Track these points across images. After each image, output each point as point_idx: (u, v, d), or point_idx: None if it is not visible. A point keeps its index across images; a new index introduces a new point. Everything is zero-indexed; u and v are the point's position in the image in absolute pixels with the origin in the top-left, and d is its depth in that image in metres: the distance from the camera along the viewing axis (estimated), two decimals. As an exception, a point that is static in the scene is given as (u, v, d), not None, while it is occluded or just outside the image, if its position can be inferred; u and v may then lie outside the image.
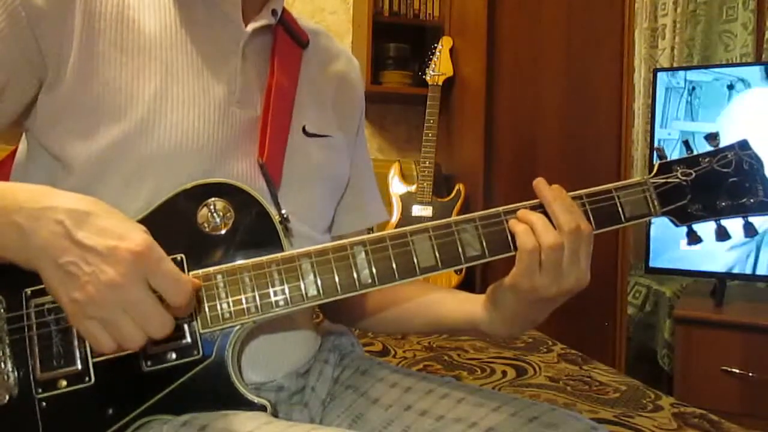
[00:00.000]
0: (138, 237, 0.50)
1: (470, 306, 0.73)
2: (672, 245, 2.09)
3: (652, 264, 2.14)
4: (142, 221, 0.59)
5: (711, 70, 2.12)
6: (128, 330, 0.50)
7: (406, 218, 2.37)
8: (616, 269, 2.32)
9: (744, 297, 2.19)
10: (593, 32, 2.37)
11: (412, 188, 2.41)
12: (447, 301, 0.77)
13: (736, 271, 2.06)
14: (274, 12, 0.74)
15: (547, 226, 0.62)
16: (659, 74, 2.19)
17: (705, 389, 1.88)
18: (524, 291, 0.63)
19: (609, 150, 2.35)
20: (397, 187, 2.43)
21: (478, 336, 0.85)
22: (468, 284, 2.26)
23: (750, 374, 1.83)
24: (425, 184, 2.37)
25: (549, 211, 0.63)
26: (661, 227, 2.09)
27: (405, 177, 2.46)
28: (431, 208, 2.37)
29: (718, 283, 2.07)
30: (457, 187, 2.40)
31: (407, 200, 2.40)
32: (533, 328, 1.85)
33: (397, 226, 2.35)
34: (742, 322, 1.89)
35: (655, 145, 2.16)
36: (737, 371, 1.84)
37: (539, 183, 0.65)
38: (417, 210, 2.38)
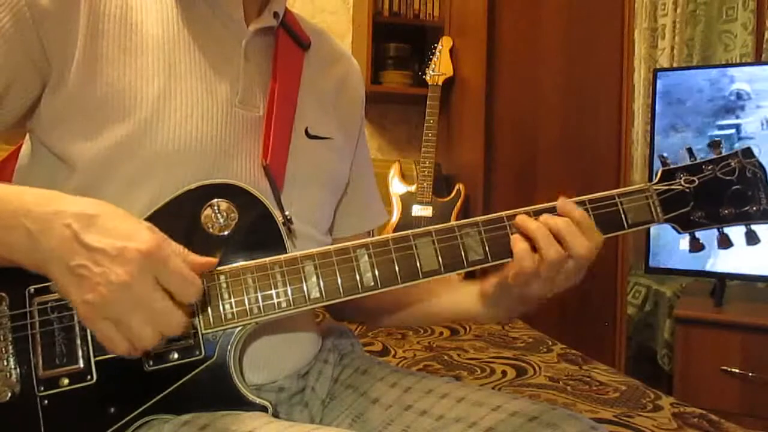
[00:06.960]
0: (145, 236, 0.51)
1: (466, 305, 0.77)
2: (672, 245, 2.09)
3: (652, 264, 2.13)
4: (145, 221, 0.59)
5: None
6: (140, 328, 0.50)
7: (406, 218, 2.37)
8: (616, 269, 2.31)
9: (744, 297, 2.19)
10: (593, 32, 2.36)
11: (412, 188, 2.41)
12: (443, 299, 0.80)
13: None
14: (275, 14, 0.74)
15: (550, 241, 0.63)
16: (659, 74, 2.19)
17: (705, 389, 1.88)
18: (518, 294, 0.68)
19: (609, 150, 2.35)
20: (397, 187, 2.43)
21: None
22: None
23: (750, 374, 1.83)
24: (425, 184, 2.37)
25: (560, 238, 0.64)
26: (661, 227, 2.09)
27: (405, 177, 2.46)
28: (431, 208, 2.37)
29: (718, 283, 2.07)
30: (457, 187, 2.40)
31: (407, 200, 2.40)
32: (532, 328, 1.86)
33: (397, 226, 2.37)
34: (742, 322, 1.89)
35: (655, 145, 2.16)
36: (737, 371, 1.84)
37: (565, 204, 0.66)
38: (417, 210, 2.38)
